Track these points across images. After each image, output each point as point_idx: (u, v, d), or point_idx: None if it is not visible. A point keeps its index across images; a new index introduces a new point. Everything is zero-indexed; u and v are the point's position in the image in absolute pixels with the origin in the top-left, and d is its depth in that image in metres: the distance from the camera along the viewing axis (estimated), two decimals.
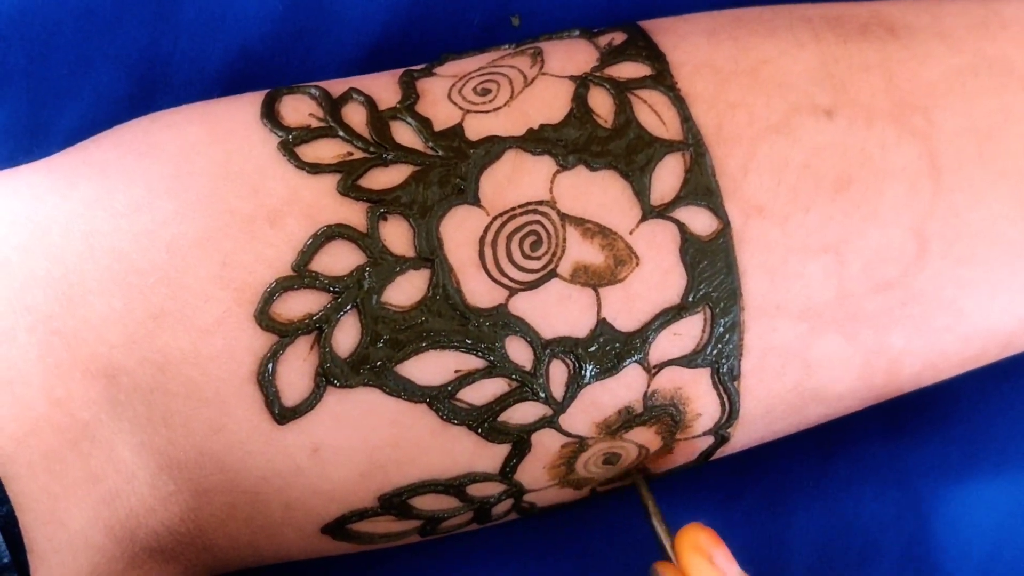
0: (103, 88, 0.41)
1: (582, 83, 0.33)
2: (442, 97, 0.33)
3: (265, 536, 0.33)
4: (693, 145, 0.32)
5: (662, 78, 0.33)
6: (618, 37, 0.35)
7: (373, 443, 0.32)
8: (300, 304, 0.31)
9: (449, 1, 0.41)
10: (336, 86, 0.34)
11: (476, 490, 0.33)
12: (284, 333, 0.31)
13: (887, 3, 0.36)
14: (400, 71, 0.35)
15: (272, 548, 0.34)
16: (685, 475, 0.42)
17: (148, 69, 0.41)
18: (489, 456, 0.33)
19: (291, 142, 0.32)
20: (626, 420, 0.33)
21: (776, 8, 0.36)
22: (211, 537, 0.33)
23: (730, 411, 0.34)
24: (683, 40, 0.35)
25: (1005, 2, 0.36)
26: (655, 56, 0.34)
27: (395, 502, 0.33)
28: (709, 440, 0.35)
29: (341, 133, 0.32)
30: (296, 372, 0.31)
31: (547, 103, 0.33)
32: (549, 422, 0.32)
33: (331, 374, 0.31)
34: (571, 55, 0.35)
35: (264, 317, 0.31)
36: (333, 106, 0.33)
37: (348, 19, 0.41)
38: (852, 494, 0.42)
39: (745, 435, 0.35)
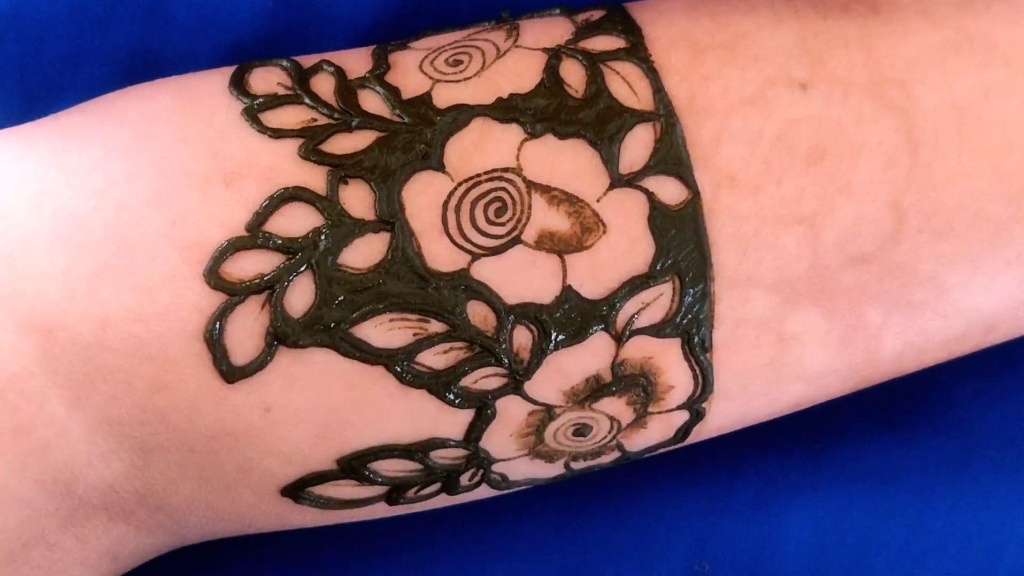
0: (96, 84, 0.41)
1: (554, 55, 0.33)
2: (413, 68, 0.33)
3: (223, 498, 0.33)
4: (664, 115, 0.32)
5: (636, 50, 0.33)
6: (596, 14, 0.35)
7: (328, 404, 0.31)
8: (252, 264, 0.31)
9: None
10: (311, 60, 0.34)
11: (440, 456, 0.33)
12: (234, 292, 0.30)
13: None
14: (375, 45, 0.35)
15: (232, 511, 0.34)
16: (675, 472, 0.41)
17: (140, 65, 0.41)
18: (452, 421, 0.32)
19: (255, 108, 0.32)
20: (595, 389, 0.32)
21: None
22: (162, 496, 0.33)
23: (703, 384, 0.33)
24: (661, 16, 0.35)
25: None
26: (631, 29, 0.34)
27: (355, 465, 0.32)
28: (684, 415, 0.34)
29: (307, 100, 0.32)
30: (246, 331, 0.31)
31: (518, 74, 0.33)
32: (514, 388, 0.32)
33: (282, 333, 0.31)
34: (547, 29, 0.34)
35: (213, 276, 0.30)
36: (302, 76, 0.33)
37: (338, 16, 0.41)
38: (845, 490, 0.42)
39: (722, 412, 0.35)
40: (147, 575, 0.38)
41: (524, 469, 0.34)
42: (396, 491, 0.34)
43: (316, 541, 0.41)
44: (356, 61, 0.34)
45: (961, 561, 0.41)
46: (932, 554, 0.41)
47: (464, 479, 0.34)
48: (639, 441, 0.35)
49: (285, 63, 0.34)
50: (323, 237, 0.31)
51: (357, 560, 0.42)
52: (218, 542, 0.39)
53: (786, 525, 0.42)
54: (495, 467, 0.34)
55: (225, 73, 0.34)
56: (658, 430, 0.34)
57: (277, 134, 0.31)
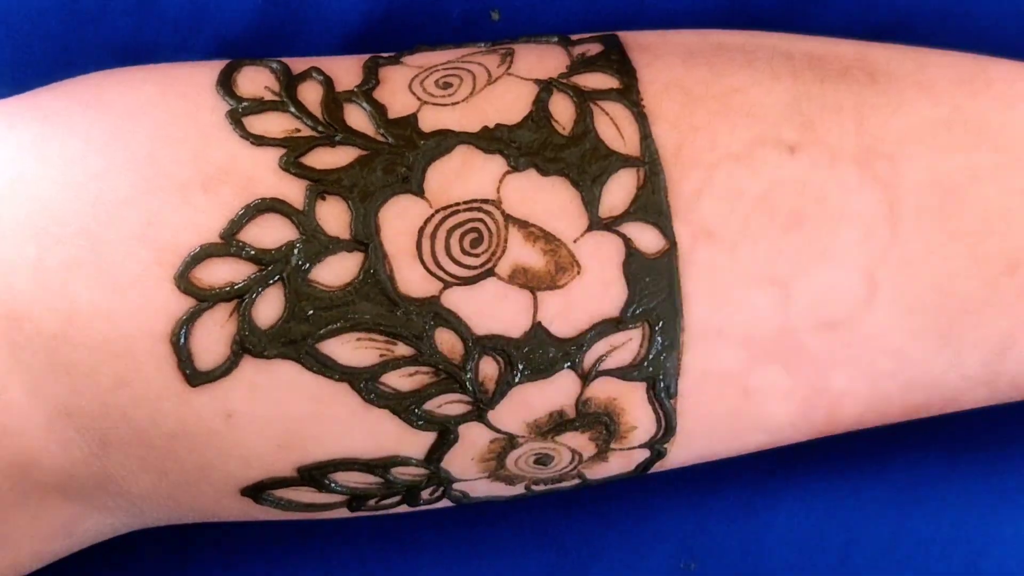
0: None
1: (545, 87, 0.33)
2: (402, 86, 0.33)
3: (184, 492, 0.33)
4: (649, 163, 0.32)
5: (628, 93, 0.33)
6: (594, 48, 0.35)
7: (291, 415, 0.31)
8: (224, 272, 0.31)
9: None
10: (302, 64, 0.34)
11: (401, 473, 0.33)
12: (203, 298, 0.30)
13: (876, 47, 0.36)
14: (368, 56, 0.35)
15: (194, 503, 0.34)
16: (661, 472, 0.41)
17: (132, 60, 0.41)
18: (414, 442, 0.32)
19: (240, 112, 0.32)
20: (558, 423, 0.33)
21: (762, 38, 0.36)
22: (123, 484, 0.33)
23: (666, 427, 0.33)
24: (658, 59, 0.34)
25: (996, 62, 0.36)
26: (625, 70, 0.34)
27: (315, 475, 0.33)
28: (645, 453, 0.34)
29: (292, 109, 0.32)
30: (212, 338, 0.31)
31: (507, 103, 0.33)
32: (477, 416, 0.32)
33: (248, 343, 0.31)
34: (542, 59, 0.34)
35: (183, 280, 0.30)
36: (290, 82, 0.33)
37: (328, 11, 0.41)
38: (830, 491, 0.42)
39: (683, 452, 0.35)
40: (130, 563, 0.38)
41: (485, 488, 0.35)
42: (356, 500, 0.34)
43: (300, 535, 0.42)
44: (347, 71, 0.34)
45: (945, 562, 0.41)
46: (917, 554, 0.42)
47: (425, 494, 0.34)
48: (600, 472, 0.35)
49: (275, 65, 0.33)
50: (296, 251, 0.31)
51: (341, 557, 0.42)
52: (192, 534, 0.39)
53: (771, 525, 0.42)
54: (456, 486, 0.34)
55: (214, 68, 0.33)
56: (619, 464, 0.35)
57: (259, 141, 0.31)
